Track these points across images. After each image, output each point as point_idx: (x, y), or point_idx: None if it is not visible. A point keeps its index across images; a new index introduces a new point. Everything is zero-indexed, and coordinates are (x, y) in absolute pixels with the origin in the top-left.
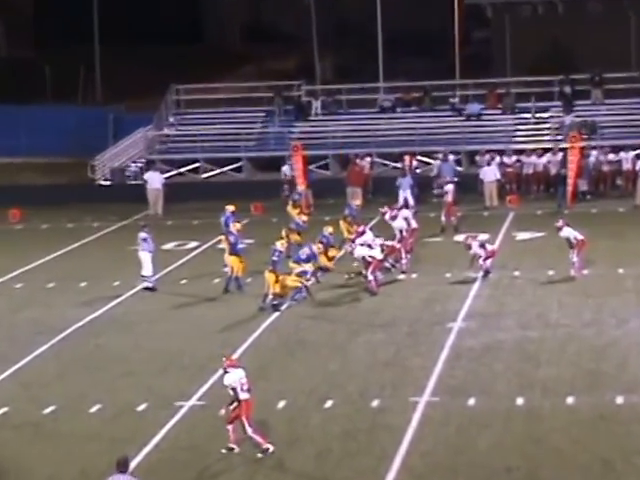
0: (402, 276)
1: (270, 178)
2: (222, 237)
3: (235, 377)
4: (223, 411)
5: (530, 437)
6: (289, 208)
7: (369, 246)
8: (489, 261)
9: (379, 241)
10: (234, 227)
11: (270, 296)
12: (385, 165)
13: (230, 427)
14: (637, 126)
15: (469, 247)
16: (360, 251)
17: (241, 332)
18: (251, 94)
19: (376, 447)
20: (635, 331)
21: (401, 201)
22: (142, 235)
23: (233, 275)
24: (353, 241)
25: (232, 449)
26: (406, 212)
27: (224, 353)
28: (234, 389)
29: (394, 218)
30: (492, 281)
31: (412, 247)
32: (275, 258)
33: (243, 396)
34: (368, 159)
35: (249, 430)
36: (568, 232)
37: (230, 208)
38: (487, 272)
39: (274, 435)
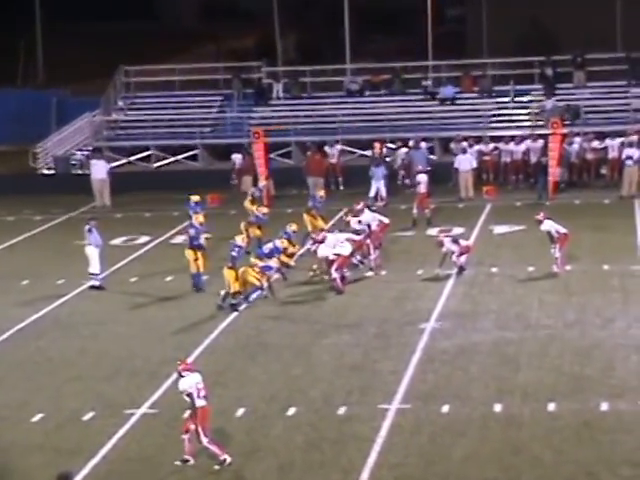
0: (370, 273)
1: (228, 167)
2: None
3: (191, 382)
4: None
5: (509, 446)
6: (247, 203)
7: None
8: (463, 257)
9: (345, 236)
10: (196, 219)
11: (229, 295)
12: (352, 153)
13: (186, 437)
14: (623, 111)
15: (441, 244)
16: (324, 251)
17: (196, 334)
18: (207, 76)
19: (342, 458)
20: (621, 332)
21: (373, 192)
22: (89, 229)
23: (194, 272)
24: (315, 242)
25: (187, 461)
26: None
27: (178, 357)
28: (190, 395)
29: (358, 214)
30: (467, 278)
31: (381, 242)
32: (234, 254)
33: (199, 403)
34: (338, 147)
35: (204, 440)
36: (549, 225)
37: (195, 198)
38: (462, 269)
39: (232, 445)
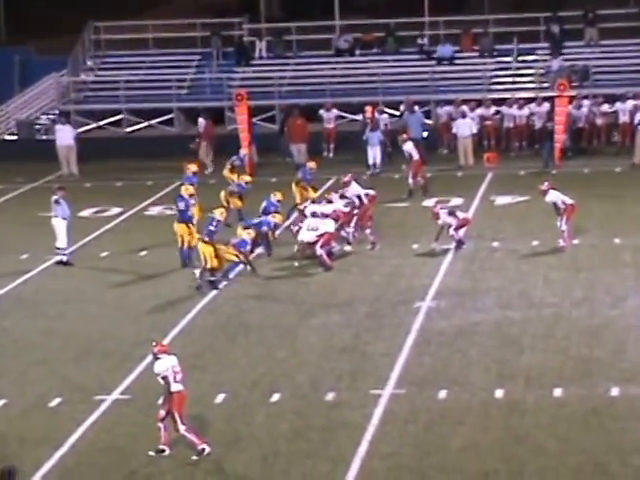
0: (348, 247)
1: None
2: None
3: (167, 364)
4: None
5: (511, 435)
6: (226, 172)
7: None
8: (462, 230)
9: (331, 208)
10: (186, 191)
11: (206, 272)
12: (342, 118)
13: (161, 425)
14: (636, 72)
15: (437, 217)
16: (305, 236)
17: (173, 313)
18: (184, 33)
19: (331, 448)
20: (633, 311)
21: (371, 159)
22: (56, 200)
23: (184, 247)
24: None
25: (162, 451)
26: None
27: (153, 338)
28: (165, 378)
29: (346, 186)
30: (467, 253)
31: (371, 216)
32: (212, 228)
33: (175, 387)
34: (335, 111)
35: (181, 428)
36: (555, 196)
37: (192, 167)
38: (460, 243)
39: (211, 435)
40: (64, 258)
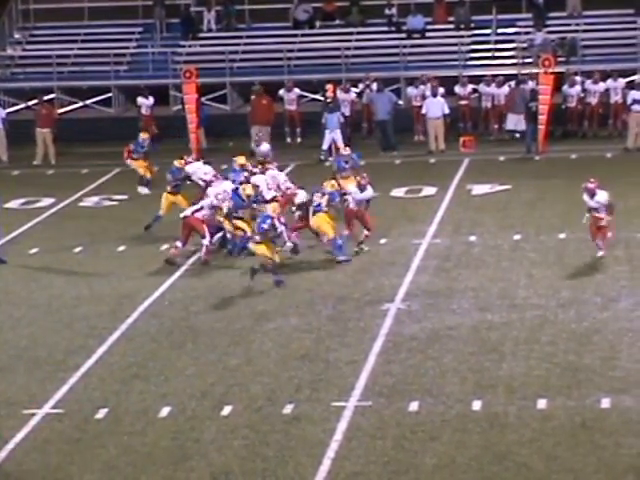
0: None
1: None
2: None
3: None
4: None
5: (490, 452)
6: (129, 162)
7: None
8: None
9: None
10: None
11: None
12: (303, 97)
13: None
14: (629, 45)
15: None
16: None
17: (111, 317)
18: (123, 2)
19: (289, 467)
20: (626, 313)
21: (327, 144)
22: None
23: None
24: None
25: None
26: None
27: (89, 345)
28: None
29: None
30: (441, 249)
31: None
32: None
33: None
34: (297, 91)
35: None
36: (605, 197)
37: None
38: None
39: (156, 452)
40: None
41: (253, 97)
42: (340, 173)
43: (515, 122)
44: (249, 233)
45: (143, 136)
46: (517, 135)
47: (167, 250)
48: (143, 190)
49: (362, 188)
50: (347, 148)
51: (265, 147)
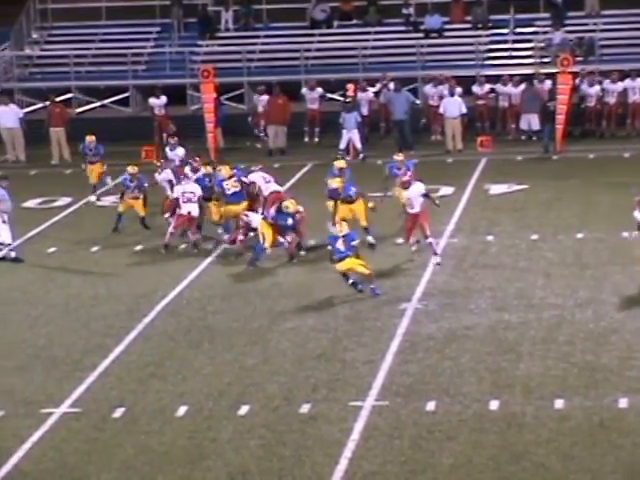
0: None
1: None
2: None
3: None
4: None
5: (508, 452)
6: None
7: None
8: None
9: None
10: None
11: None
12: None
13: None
14: None
15: None
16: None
17: (128, 317)
18: (141, 2)
19: (306, 466)
20: None
21: (344, 143)
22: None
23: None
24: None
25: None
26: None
27: (106, 344)
28: None
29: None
30: (458, 249)
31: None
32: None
33: None
34: (319, 90)
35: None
36: None
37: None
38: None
39: (172, 451)
40: (12, 254)
41: (269, 97)
42: (394, 179)
43: (527, 122)
44: (266, 244)
45: (89, 139)
46: (532, 137)
47: (183, 250)
48: (92, 198)
49: (407, 186)
50: (400, 154)
51: (181, 151)
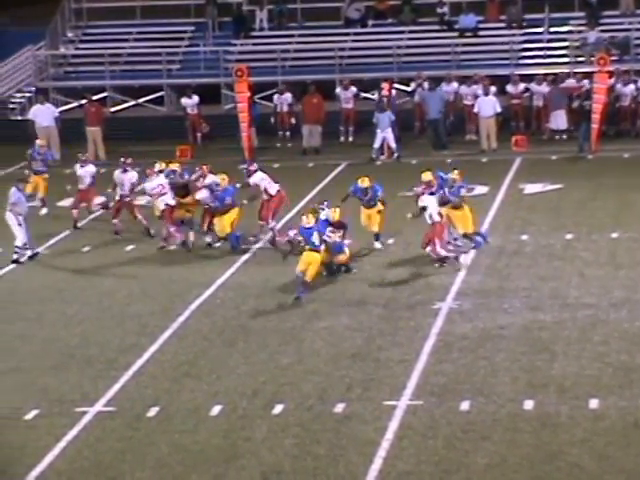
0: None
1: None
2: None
3: None
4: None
5: (542, 452)
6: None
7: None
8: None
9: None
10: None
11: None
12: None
13: None
14: None
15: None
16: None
17: (163, 316)
18: (176, 1)
19: (340, 466)
20: None
21: (378, 143)
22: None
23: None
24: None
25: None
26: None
27: (140, 343)
28: None
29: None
30: (493, 248)
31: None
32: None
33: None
34: (353, 89)
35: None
36: None
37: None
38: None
39: (207, 450)
40: (28, 253)
41: (304, 96)
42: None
43: (555, 121)
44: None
45: (40, 143)
46: (563, 135)
47: (217, 249)
48: (42, 211)
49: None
50: (365, 179)
51: (91, 168)
